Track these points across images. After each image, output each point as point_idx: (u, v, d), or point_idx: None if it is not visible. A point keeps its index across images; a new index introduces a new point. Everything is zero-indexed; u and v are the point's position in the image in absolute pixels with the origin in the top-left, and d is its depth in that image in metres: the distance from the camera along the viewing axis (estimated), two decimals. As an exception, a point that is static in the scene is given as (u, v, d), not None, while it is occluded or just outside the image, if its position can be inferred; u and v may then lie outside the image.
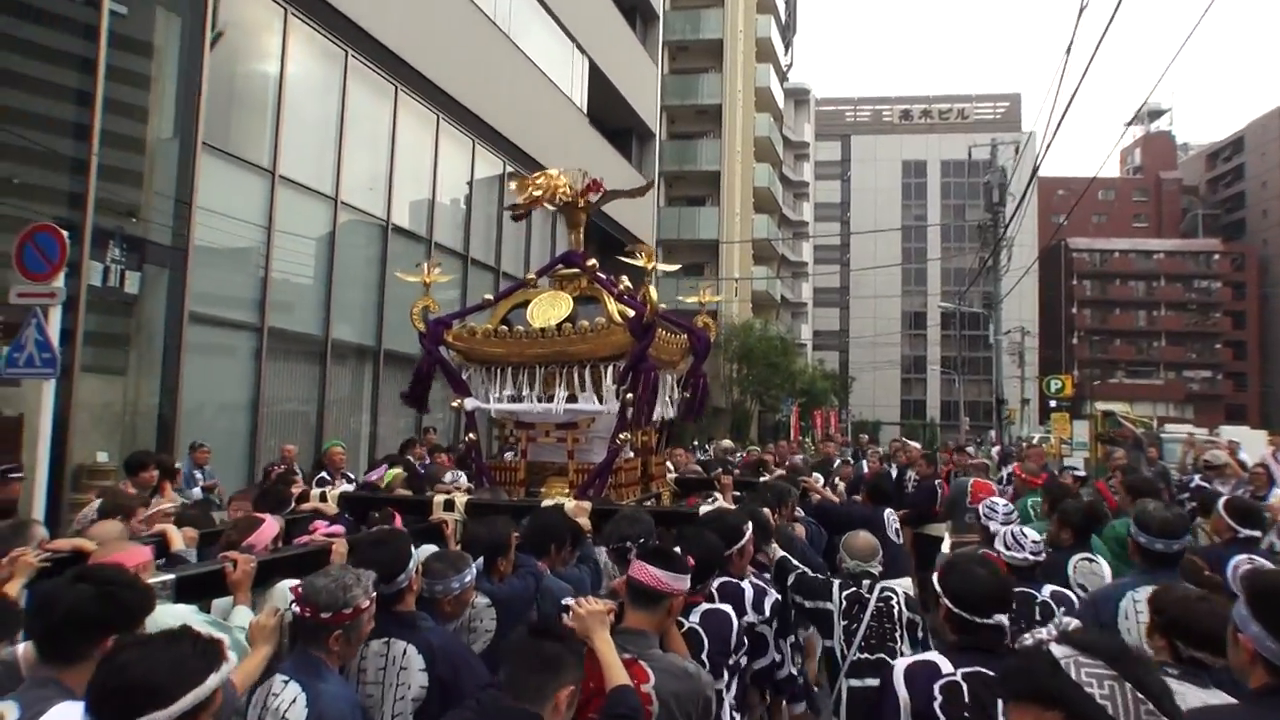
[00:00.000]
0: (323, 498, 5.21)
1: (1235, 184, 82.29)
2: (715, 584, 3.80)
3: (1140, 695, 1.63)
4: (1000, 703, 2.42)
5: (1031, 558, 4.48)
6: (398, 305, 14.47)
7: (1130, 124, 78.32)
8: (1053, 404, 31.02)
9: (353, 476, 8.96)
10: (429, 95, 14.96)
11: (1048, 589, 4.37)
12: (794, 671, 4.15)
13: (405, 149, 14.53)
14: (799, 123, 60.80)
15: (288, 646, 2.91)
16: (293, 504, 5.20)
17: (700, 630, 3.33)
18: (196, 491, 8.48)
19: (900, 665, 2.86)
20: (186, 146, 10.27)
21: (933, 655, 2.87)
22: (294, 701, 2.55)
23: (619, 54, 24.03)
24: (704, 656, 3.22)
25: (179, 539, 4.05)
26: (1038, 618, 4.25)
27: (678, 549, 3.26)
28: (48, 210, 8.99)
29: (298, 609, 2.69)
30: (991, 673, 2.64)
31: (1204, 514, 6.45)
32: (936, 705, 2.68)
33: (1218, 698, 2.55)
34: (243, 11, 11.53)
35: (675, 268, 6.37)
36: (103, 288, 9.25)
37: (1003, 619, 2.86)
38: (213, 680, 1.88)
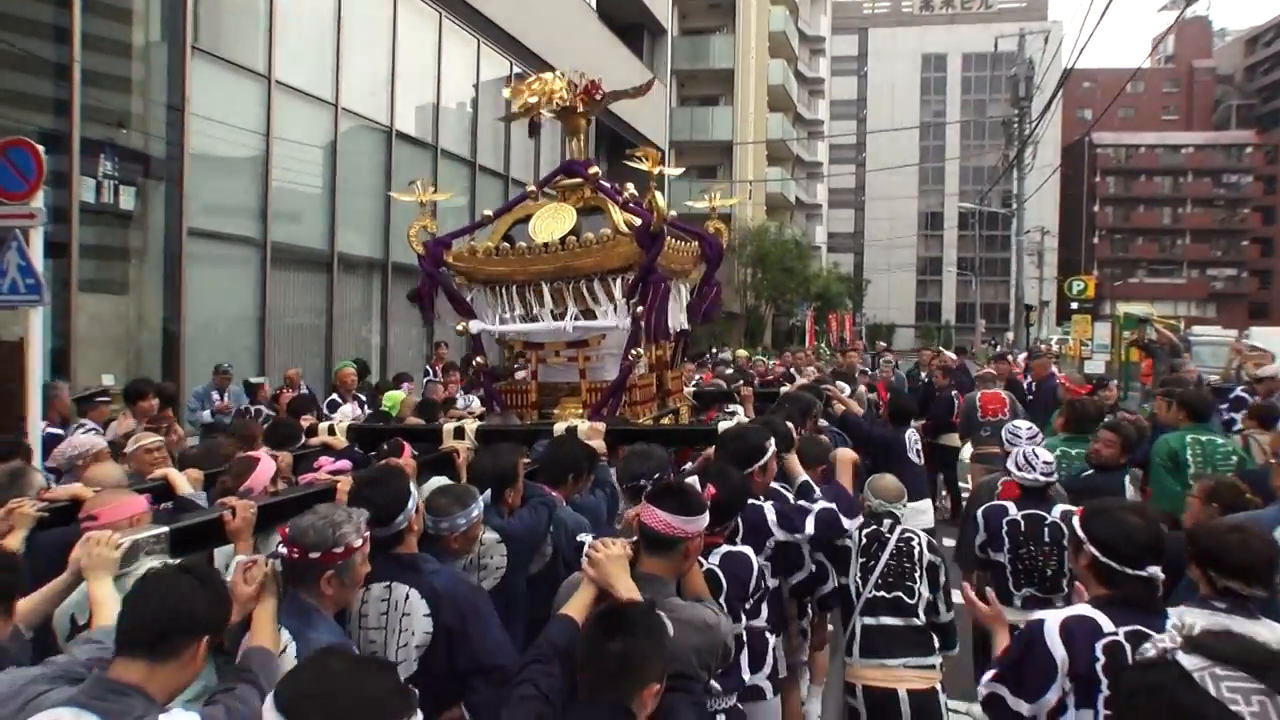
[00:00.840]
0: (331, 430, 4.97)
1: (1274, 70, 78.57)
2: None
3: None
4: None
5: (1042, 479, 4.39)
6: (405, 215, 14.07)
7: (1163, 9, 74.92)
8: (1073, 306, 30.48)
9: (364, 398, 8.76)
10: (431, -7, 14.25)
11: (1058, 509, 4.26)
12: (838, 584, 3.93)
13: (407, 51, 13.89)
14: (815, 15, 58.66)
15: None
16: (303, 438, 4.97)
17: (719, 572, 3.16)
18: (205, 414, 8.28)
19: (1053, 620, 2.57)
20: (176, 51, 9.76)
21: (1089, 610, 2.57)
22: (284, 650, 2.40)
23: (628, -56, 22.92)
24: (721, 599, 3.04)
25: (183, 482, 3.84)
26: (1046, 540, 4.21)
27: (693, 481, 3.07)
28: (31, 119, 8.60)
29: (285, 550, 2.51)
30: (1152, 632, 2.32)
31: (1259, 426, 6.20)
32: (1099, 667, 2.41)
33: (1268, 628, 2.48)
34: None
35: (679, 171, 5.90)
36: (96, 204, 8.91)
37: (1157, 571, 2.60)
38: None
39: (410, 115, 14.14)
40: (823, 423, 6.15)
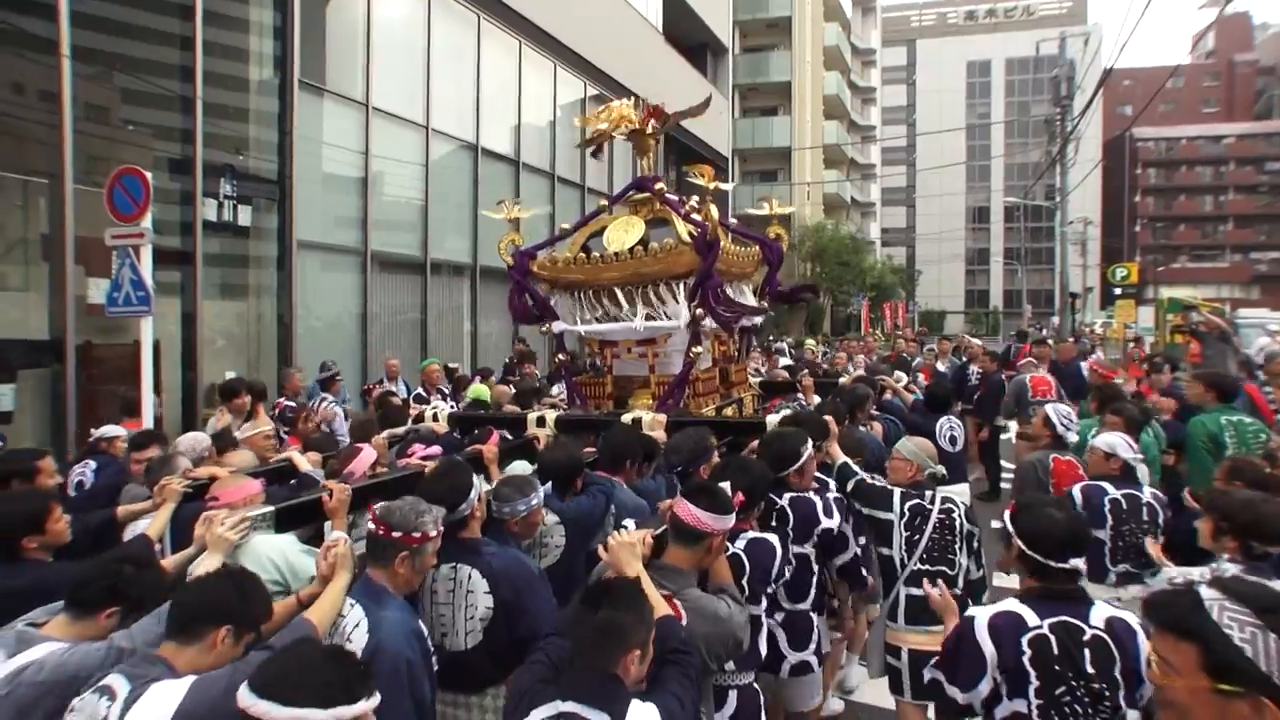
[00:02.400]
0: (434, 417, 5.15)
1: (1316, 61, 74.06)
2: (786, 499, 3.62)
3: (1276, 637, 1.48)
4: (1087, 652, 2.32)
5: (1136, 459, 4.15)
6: (491, 223, 14.02)
7: (1204, 6, 70.78)
8: (1117, 291, 28.98)
9: (446, 391, 8.71)
10: (510, 22, 14.14)
11: (1148, 490, 4.08)
12: (855, 553, 3.90)
13: (490, 75, 13.84)
14: (866, 30, 57.12)
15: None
16: (409, 422, 5.17)
17: (744, 556, 3.08)
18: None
19: (982, 617, 2.47)
20: (285, 83, 9.85)
21: (1014, 605, 2.46)
22: (357, 625, 2.44)
23: (690, -30, 22.47)
24: (744, 582, 3.00)
25: (304, 462, 4.08)
26: (1145, 519, 3.96)
27: (725, 484, 2.96)
28: (163, 147, 8.78)
29: (373, 526, 2.59)
30: (1075, 620, 2.37)
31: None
32: (1026, 660, 2.35)
33: None
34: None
35: (730, 186, 5.81)
36: (218, 220, 9.03)
37: (1078, 562, 2.50)
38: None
39: (494, 134, 14.08)
40: (874, 411, 6.02)
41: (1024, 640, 2.37)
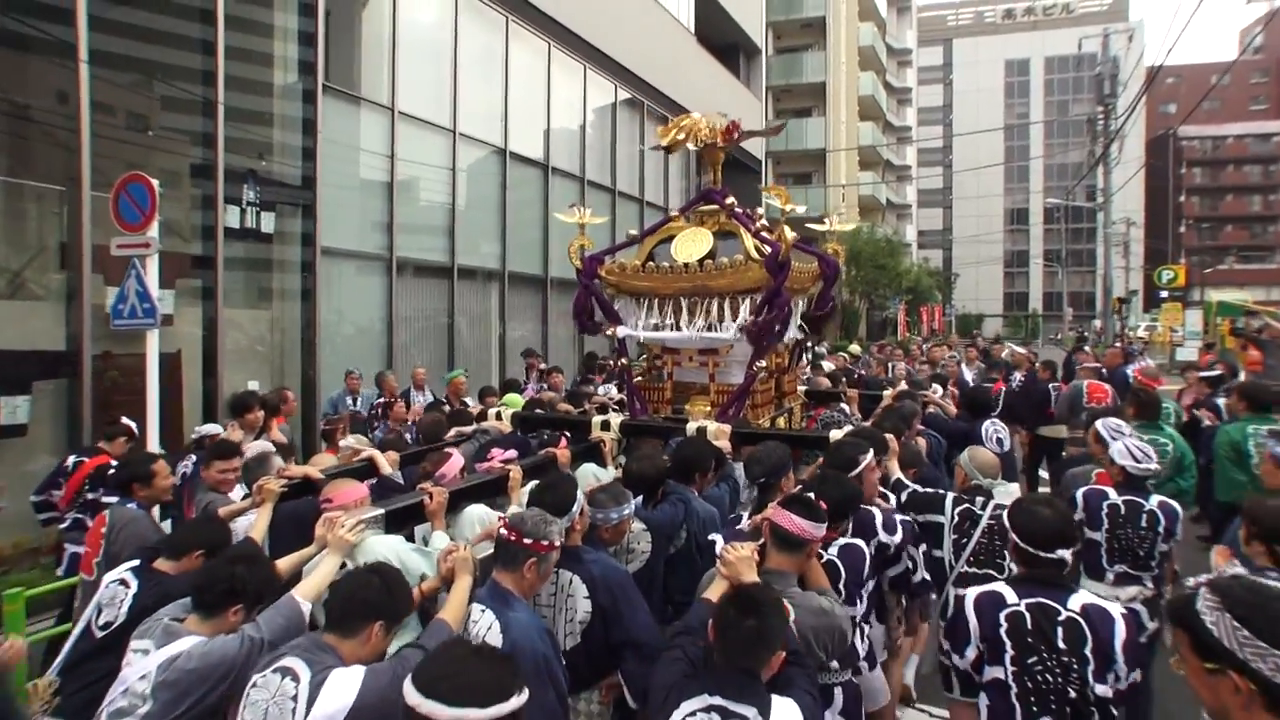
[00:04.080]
0: (498, 416, 5.36)
1: (1369, 57, 71.67)
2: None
3: (1236, 624, 1.68)
4: (1061, 631, 2.59)
5: (1147, 469, 4.23)
6: (519, 229, 13.81)
7: (1252, 1, 68.69)
8: (1163, 294, 28.02)
9: (469, 402, 8.43)
10: (538, 24, 13.85)
11: (1155, 499, 4.15)
12: (925, 577, 3.94)
13: (519, 78, 13.56)
14: (901, 30, 56.20)
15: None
16: (474, 422, 5.37)
17: (838, 563, 3.29)
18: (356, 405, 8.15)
19: (970, 595, 2.79)
20: (309, 88, 9.65)
21: (999, 587, 2.79)
22: (490, 627, 2.61)
23: (723, -30, 22.05)
24: (840, 585, 3.21)
25: (385, 464, 4.25)
26: (1143, 525, 4.07)
27: (813, 495, 3.15)
28: (186, 151, 8.61)
29: (505, 533, 2.77)
30: (1052, 603, 2.65)
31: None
32: (1002, 631, 2.66)
33: None
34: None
35: (804, 208, 5.82)
36: (240, 227, 8.84)
37: (1065, 554, 2.78)
38: (515, 702, 1.89)
39: (523, 137, 13.79)
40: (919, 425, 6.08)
41: (1001, 615, 2.67)
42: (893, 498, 4.14)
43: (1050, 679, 2.57)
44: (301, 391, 9.74)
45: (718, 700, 2.21)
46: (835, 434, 4.54)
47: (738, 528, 3.49)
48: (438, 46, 11.93)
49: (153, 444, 4.92)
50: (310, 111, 9.62)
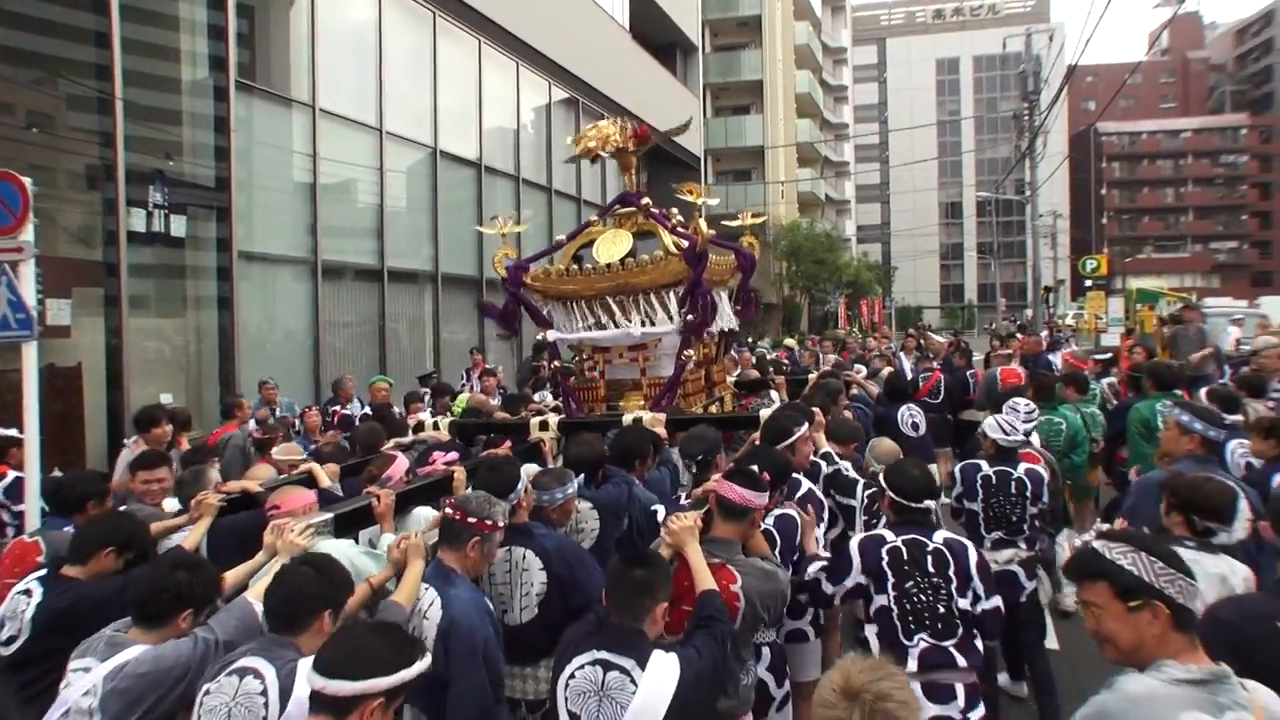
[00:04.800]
0: (435, 426, 5.35)
1: (1264, 58, 75.38)
2: None
3: (1152, 559, 1.90)
4: (930, 558, 3.06)
5: (1014, 440, 4.59)
6: (453, 230, 13.32)
7: (1158, 5, 71.21)
8: (1088, 283, 28.60)
9: (399, 411, 7.97)
10: (468, 20, 13.36)
11: (1022, 467, 4.48)
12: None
13: (448, 76, 13.06)
14: (836, 29, 56.61)
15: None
16: (410, 432, 5.37)
17: (774, 531, 3.41)
18: (250, 424, 7.57)
19: (855, 539, 3.27)
20: (220, 86, 9.05)
21: (881, 530, 3.25)
22: (432, 604, 2.65)
23: (657, -32, 21.73)
24: (776, 552, 3.31)
25: (324, 476, 4.14)
26: (1012, 492, 4.41)
27: (755, 467, 3.31)
28: (83, 151, 7.97)
29: (450, 512, 2.83)
30: (923, 538, 3.12)
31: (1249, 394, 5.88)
32: (884, 564, 3.08)
33: (1225, 563, 2.87)
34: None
35: (716, 201, 5.95)
36: (147, 231, 8.24)
37: (930, 503, 3.27)
38: (407, 673, 1.90)
39: (454, 136, 13.30)
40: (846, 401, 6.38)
41: (883, 550, 3.11)
42: (823, 465, 4.37)
43: (924, 598, 3.03)
44: (220, 403, 9.17)
45: (602, 654, 2.34)
46: (765, 413, 4.73)
47: (679, 504, 3.60)
48: (362, 42, 11.39)
49: (32, 464, 4.41)
50: (222, 109, 9.03)
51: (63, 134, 8.08)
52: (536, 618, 3.07)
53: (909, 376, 8.85)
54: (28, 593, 2.77)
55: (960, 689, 2.94)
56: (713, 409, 5.93)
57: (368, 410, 7.80)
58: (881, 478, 3.44)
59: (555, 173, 16.51)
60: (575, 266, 5.55)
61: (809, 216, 41.74)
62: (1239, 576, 2.85)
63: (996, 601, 3.07)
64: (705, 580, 2.69)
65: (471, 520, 2.77)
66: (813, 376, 7.04)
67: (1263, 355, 7.60)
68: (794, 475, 3.86)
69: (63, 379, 7.50)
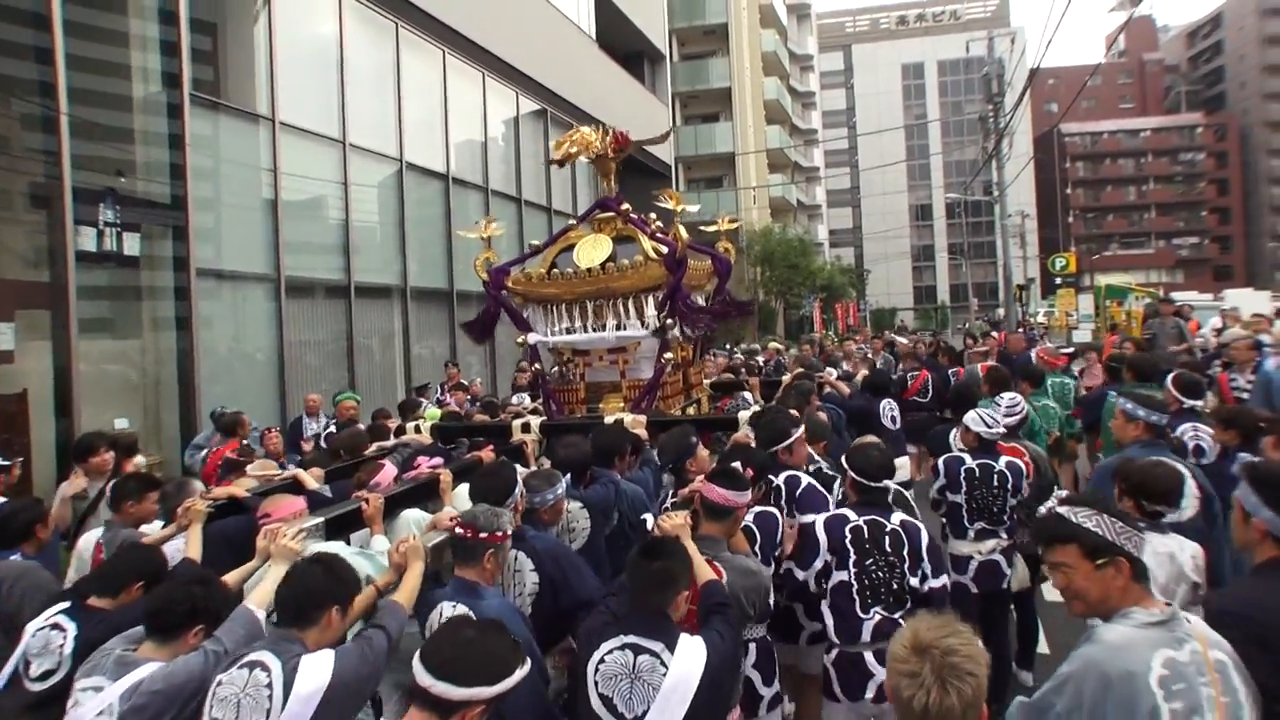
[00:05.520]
0: (417, 429, 5.46)
1: (1214, 59, 77.56)
2: (782, 477, 3.93)
3: (1113, 519, 2.10)
4: (887, 538, 3.31)
5: (995, 432, 4.66)
6: (421, 243, 13.04)
7: (1113, 10, 72.66)
8: (1057, 281, 28.78)
9: (360, 428, 7.68)
10: (431, 30, 13.10)
11: (1004, 459, 4.56)
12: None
13: (413, 86, 12.78)
14: (802, 36, 56.94)
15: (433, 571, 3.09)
16: (391, 436, 5.50)
17: (754, 528, 3.48)
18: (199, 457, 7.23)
19: (820, 519, 3.44)
20: (174, 102, 8.73)
21: (845, 510, 3.46)
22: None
23: (623, -22, 21.58)
24: (756, 548, 3.42)
25: (310, 479, 4.21)
26: (995, 484, 4.49)
27: (737, 464, 3.47)
28: (26, 170, 7.63)
29: (460, 530, 2.88)
30: (882, 519, 3.35)
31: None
32: (847, 541, 3.30)
33: (1175, 541, 3.05)
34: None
35: (696, 208, 5.98)
36: (98, 250, 7.89)
37: (889, 483, 3.51)
38: (518, 674, 1.99)
39: (420, 148, 13.01)
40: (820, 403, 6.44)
41: (846, 529, 3.33)
42: (804, 477, 4.38)
43: (880, 575, 3.27)
44: (180, 427, 8.83)
45: (631, 639, 2.43)
46: (743, 415, 4.89)
47: (665, 505, 3.78)
48: (323, 54, 11.09)
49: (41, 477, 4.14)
50: (176, 126, 8.70)
51: (6, 153, 7.72)
52: (530, 617, 3.13)
53: (895, 376, 8.98)
54: (57, 627, 2.73)
55: None
56: (690, 410, 6.05)
57: (332, 429, 7.50)
58: (844, 459, 3.65)
59: (525, 183, 16.27)
60: (556, 270, 5.64)
61: (781, 222, 41.79)
62: (1187, 554, 3.02)
63: (944, 580, 3.33)
64: (706, 572, 2.80)
65: (484, 535, 2.86)
66: (786, 377, 7.21)
67: (1232, 347, 7.69)
68: (794, 472, 3.99)
69: (6, 407, 7.14)
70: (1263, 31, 69.48)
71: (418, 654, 1.93)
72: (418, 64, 13.01)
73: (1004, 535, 4.51)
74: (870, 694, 3.14)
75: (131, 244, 8.32)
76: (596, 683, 2.42)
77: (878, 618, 3.20)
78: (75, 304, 7.51)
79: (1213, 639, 2.03)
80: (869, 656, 3.18)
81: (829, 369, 8.78)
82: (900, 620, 3.13)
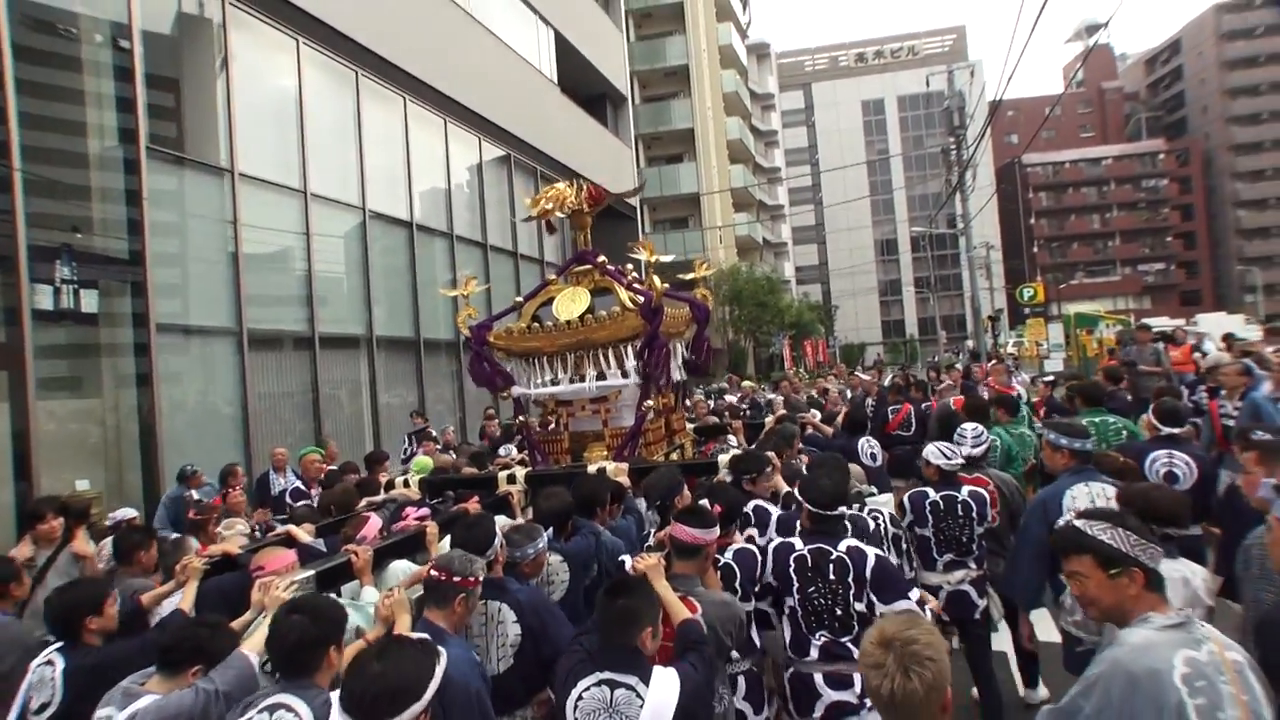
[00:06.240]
0: (405, 484, 5.73)
1: (1174, 85, 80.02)
2: (750, 505, 4.36)
3: (1127, 532, 2.29)
4: (831, 566, 3.47)
5: (954, 464, 4.76)
6: (386, 292, 13.14)
7: (1069, 40, 75.44)
8: (1026, 311, 29.52)
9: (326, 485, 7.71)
10: (391, 77, 13.37)
11: (965, 489, 4.68)
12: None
13: (373, 134, 12.99)
14: (763, 76, 58.46)
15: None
16: (382, 490, 5.73)
17: (734, 565, 3.66)
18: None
19: (771, 545, 3.67)
20: (131, 158, 8.82)
21: (792, 539, 3.65)
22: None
23: (582, 23, 22.13)
24: (737, 585, 3.59)
25: (303, 534, 4.43)
26: (959, 515, 4.61)
27: (705, 501, 3.67)
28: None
29: (435, 573, 3.01)
30: (829, 548, 3.51)
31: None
32: (791, 570, 3.51)
33: (1185, 566, 3.18)
34: (180, 5, 9.99)
35: (671, 257, 6.26)
36: (55, 309, 7.91)
37: (842, 509, 3.73)
38: (438, 672, 2.15)
39: (384, 195, 13.19)
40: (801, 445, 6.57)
41: (791, 558, 3.54)
42: (774, 510, 4.54)
43: (824, 601, 3.46)
44: (144, 487, 8.77)
45: (607, 674, 2.58)
46: (723, 459, 5.09)
47: (646, 545, 4.00)
48: (280, 104, 11.27)
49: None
50: (133, 182, 8.79)
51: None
52: (512, 668, 3.26)
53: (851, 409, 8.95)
54: (49, 663, 3.06)
55: (857, 678, 3.30)
56: (673, 456, 6.13)
57: (299, 485, 7.51)
58: (798, 490, 3.85)
59: (490, 229, 16.49)
60: (536, 325, 5.84)
61: (748, 260, 42.45)
62: (1199, 578, 3.17)
63: (905, 604, 3.39)
64: (680, 611, 2.95)
65: (456, 579, 2.97)
66: (769, 421, 7.36)
67: (1222, 372, 7.65)
68: (763, 507, 4.40)
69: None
70: (1222, 55, 71.80)
71: (337, 703, 2.00)
72: (379, 112, 13.25)
73: (973, 566, 4.63)
74: (819, 713, 3.39)
75: (89, 301, 8.34)
76: (577, 719, 2.57)
77: (824, 639, 3.43)
78: (33, 363, 7.50)
79: (1226, 641, 2.16)
80: (818, 677, 3.42)
81: (813, 411, 8.95)
82: (848, 643, 3.38)
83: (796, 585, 3.47)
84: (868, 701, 3.09)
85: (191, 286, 9.74)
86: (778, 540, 3.67)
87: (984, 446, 5.37)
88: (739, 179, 43.31)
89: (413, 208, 13.93)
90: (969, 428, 5.48)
